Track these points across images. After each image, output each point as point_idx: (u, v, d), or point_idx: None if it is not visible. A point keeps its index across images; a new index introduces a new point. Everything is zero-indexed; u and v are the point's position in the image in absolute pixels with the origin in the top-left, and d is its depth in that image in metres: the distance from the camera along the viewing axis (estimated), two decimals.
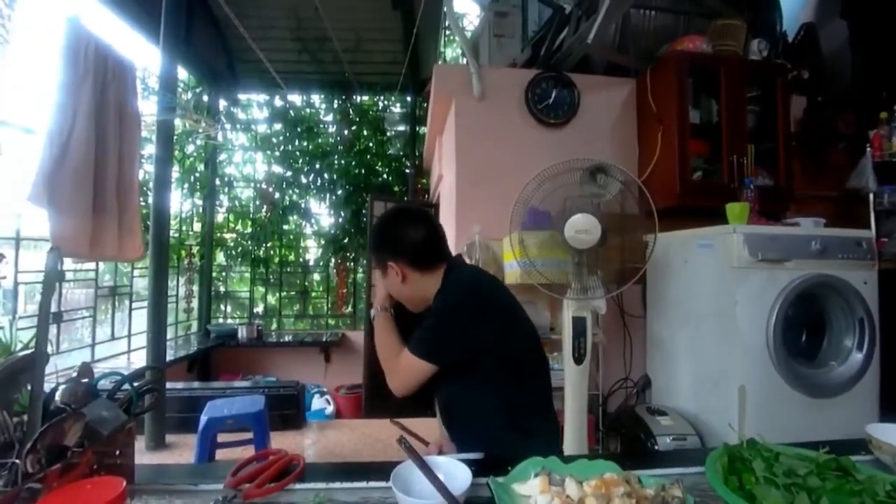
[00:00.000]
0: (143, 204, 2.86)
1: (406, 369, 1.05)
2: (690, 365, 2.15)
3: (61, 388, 0.67)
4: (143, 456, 2.26)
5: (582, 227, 1.62)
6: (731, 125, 2.44)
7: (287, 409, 2.73)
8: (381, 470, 0.78)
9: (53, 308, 2.47)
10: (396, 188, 5.12)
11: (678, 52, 2.46)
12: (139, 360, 3.34)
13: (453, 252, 2.57)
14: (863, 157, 2.65)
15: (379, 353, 1.14)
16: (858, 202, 2.68)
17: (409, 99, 5.16)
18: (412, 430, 1.06)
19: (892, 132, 2.54)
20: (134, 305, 3.42)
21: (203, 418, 1.82)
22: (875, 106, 2.65)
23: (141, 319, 3.41)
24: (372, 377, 3.95)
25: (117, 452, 0.70)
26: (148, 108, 2.72)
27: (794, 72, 2.80)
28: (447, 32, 4.69)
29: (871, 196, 2.60)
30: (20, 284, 2.48)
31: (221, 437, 2.18)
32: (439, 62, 4.73)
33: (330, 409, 3.96)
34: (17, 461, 0.55)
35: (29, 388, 0.64)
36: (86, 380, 0.69)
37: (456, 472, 0.72)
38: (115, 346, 3.33)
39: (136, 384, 0.72)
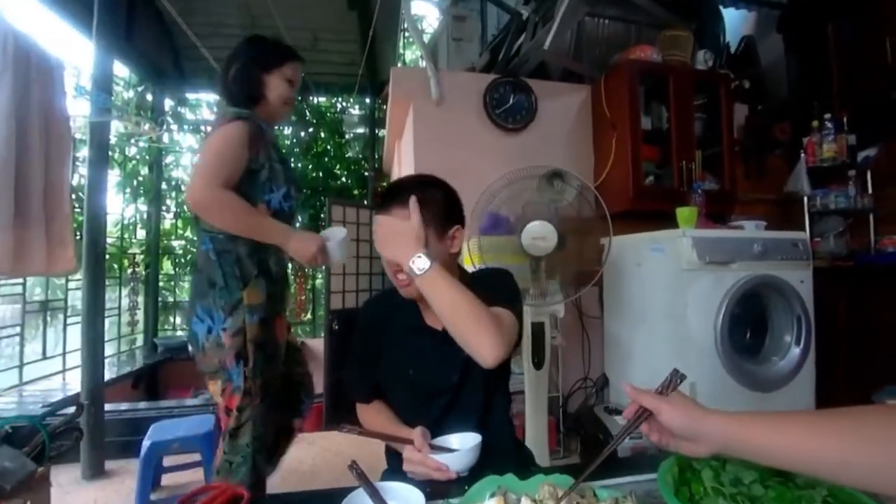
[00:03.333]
0: (77, 211, 2.64)
1: (512, 325, 0.89)
2: (645, 363, 2.22)
3: None
4: (80, 488, 2.08)
5: (539, 234, 1.63)
6: (680, 131, 2.54)
7: None
8: (330, 498, 0.74)
9: None
10: (356, 191, 5.03)
11: (630, 61, 2.54)
12: (75, 379, 3.09)
13: None
14: (798, 163, 2.82)
15: (468, 310, 0.81)
16: (795, 204, 2.87)
17: (367, 101, 5.08)
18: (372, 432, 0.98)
19: (823, 139, 2.73)
20: (70, 320, 3.16)
21: (146, 443, 1.69)
22: (808, 114, 2.83)
23: (77, 336, 3.16)
24: (333, 386, 3.84)
25: (27, 502, 0.62)
26: (81, 109, 2.53)
27: (736, 81, 2.96)
28: (406, 34, 4.65)
29: (806, 199, 2.78)
30: None
31: (168, 461, 2.05)
32: (398, 64, 4.69)
33: None
34: None
35: None
36: None
37: (409, 496, 0.69)
38: (48, 366, 3.07)
39: (48, 425, 0.64)
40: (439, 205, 0.93)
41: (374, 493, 0.68)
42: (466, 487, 0.73)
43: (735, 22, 3.47)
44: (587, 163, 2.76)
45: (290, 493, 0.85)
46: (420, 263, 0.81)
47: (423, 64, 3.21)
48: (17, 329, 2.74)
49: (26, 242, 1.71)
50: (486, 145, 2.62)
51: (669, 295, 2.01)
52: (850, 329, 2.44)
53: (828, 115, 2.72)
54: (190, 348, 1.32)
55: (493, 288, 0.95)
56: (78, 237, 2.25)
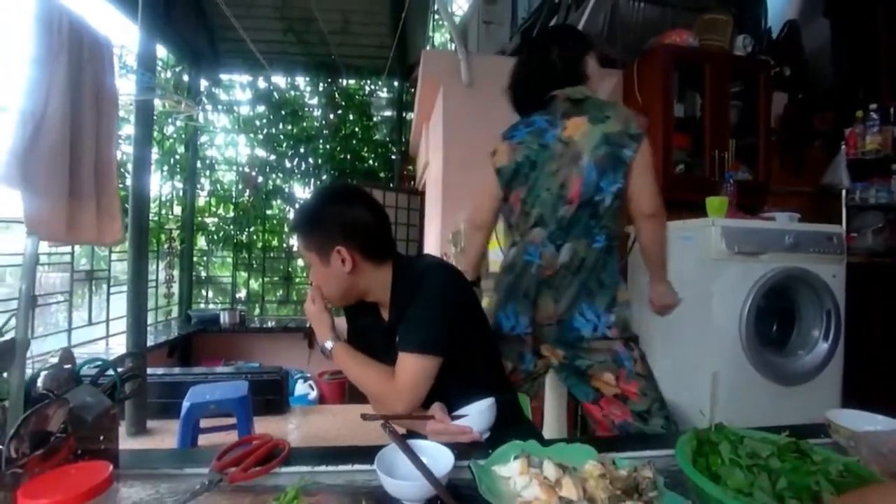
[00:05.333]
0: (121, 186, 2.79)
1: (415, 377, 0.93)
2: (668, 353, 2.22)
3: (43, 374, 0.66)
4: (125, 442, 2.24)
5: None
6: (714, 119, 2.48)
7: (270, 394, 2.73)
8: (366, 454, 0.80)
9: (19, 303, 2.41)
10: (382, 174, 5.09)
11: (665, 46, 2.48)
12: (118, 345, 3.29)
13: (439, 240, 2.59)
14: (838, 155, 2.72)
15: (364, 385, 1.00)
16: (832, 198, 2.77)
17: (396, 84, 5.10)
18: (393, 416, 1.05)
19: (867, 131, 2.62)
20: (112, 290, 3.35)
21: (186, 404, 1.81)
22: (852, 104, 2.72)
23: (119, 304, 3.35)
24: None
25: (101, 438, 0.70)
26: (125, 88, 2.64)
27: (776, 68, 2.86)
28: (436, 17, 4.63)
29: (844, 192, 2.68)
30: None
31: (204, 423, 2.18)
32: (427, 47, 4.67)
33: (313, 394, 3.98)
34: (0, 447, 0.55)
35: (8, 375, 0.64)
36: (68, 366, 0.69)
37: (439, 455, 0.74)
38: (93, 332, 3.27)
39: (119, 370, 0.72)
40: (313, 241, 0.99)
41: (407, 448, 0.73)
42: (490, 451, 0.78)
43: (778, 5, 3.32)
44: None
45: (328, 447, 0.91)
46: (327, 346, 1.02)
47: (452, 47, 3.21)
48: (66, 296, 2.92)
49: (79, 213, 1.82)
50: None
51: (695, 285, 2.00)
52: (884, 327, 2.37)
53: (874, 106, 2.61)
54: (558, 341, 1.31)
55: (409, 320, 0.96)
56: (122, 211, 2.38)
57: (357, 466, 0.79)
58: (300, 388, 3.96)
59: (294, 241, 5.00)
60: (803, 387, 1.96)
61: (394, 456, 0.73)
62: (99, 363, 0.71)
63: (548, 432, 1.78)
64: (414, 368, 0.94)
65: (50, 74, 1.83)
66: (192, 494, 0.70)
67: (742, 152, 2.62)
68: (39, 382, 0.65)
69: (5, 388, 0.65)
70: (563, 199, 1.27)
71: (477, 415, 0.92)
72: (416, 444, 0.76)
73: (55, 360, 0.71)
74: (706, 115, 2.50)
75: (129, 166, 2.73)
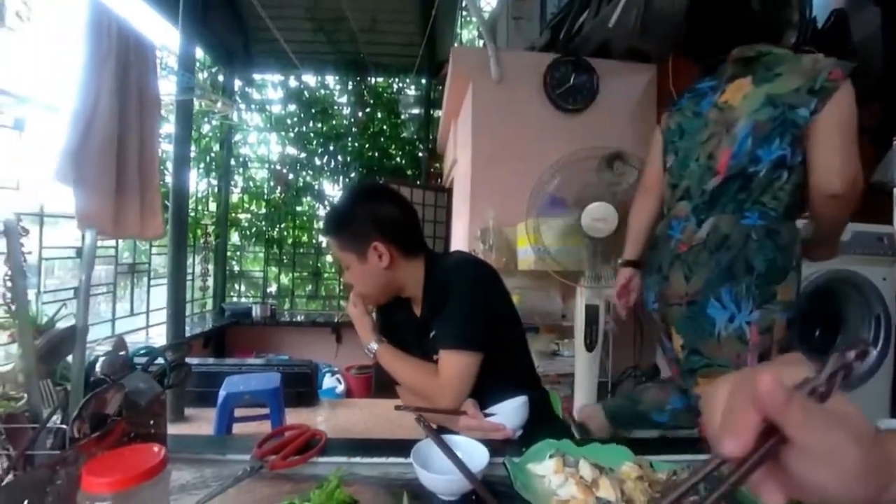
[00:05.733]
0: (161, 184, 2.91)
1: (458, 374, 0.94)
2: None
3: (100, 359, 0.70)
4: None
5: (600, 216, 1.62)
6: None
7: (301, 386, 2.80)
8: (400, 447, 0.81)
9: (77, 284, 2.55)
10: (409, 172, 5.12)
11: None
12: (157, 335, 3.43)
13: (467, 237, 2.59)
14: (889, 151, 2.58)
15: (410, 384, 1.03)
16: (882, 196, 2.62)
17: (423, 81, 5.11)
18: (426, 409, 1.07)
19: None
20: (152, 283, 3.50)
21: (222, 393, 1.88)
22: None
23: (158, 296, 3.50)
24: None
25: (151, 422, 0.73)
26: (165, 88, 2.76)
27: None
28: (464, 14, 4.62)
29: None
30: (43, 260, 2.55)
31: (238, 412, 2.26)
32: (455, 44, 4.67)
33: (341, 388, 4.05)
34: (65, 426, 0.59)
35: (70, 359, 0.68)
36: (122, 353, 0.72)
37: (473, 450, 0.75)
38: (134, 322, 3.42)
39: (168, 359, 0.75)
40: (348, 238, 1.00)
41: (442, 443, 0.74)
42: (524, 449, 0.78)
43: None
44: (649, 146, 2.66)
45: (364, 439, 0.93)
46: (371, 348, 1.05)
47: (480, 44, 3.19)
48: (110, 287, 3.07)
49: (124, 208, 1.92)
50: (544, 126, 2.59)
51: None
52: None
53: None
54: (679, 330, 1.19)
55: (446, 317, 0.97)
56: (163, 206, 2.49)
57: (392, 459, 0.80)
58: (328, 381, 4.04)
59: (324, 240, 5.10)
60: (850, 395, 1.86)
61: (429, 450, 0.74)
62: (149, 351, 0.75)
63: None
64: (457, 365, 0.95)
65: (99, 76, 1.93)
66: (236, 480, 0.72)
67: None
68: (97, 367, 0.69)
69: (62, 373, 0.69)
70: (710, 170, 1.14)
71: (510, 412, 0.92)
72: (451, 439, 0.77)
73: (103, 347, 0.75)
74: None
75: (169, 165, 2.85)
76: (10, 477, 0.55)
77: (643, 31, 2.80)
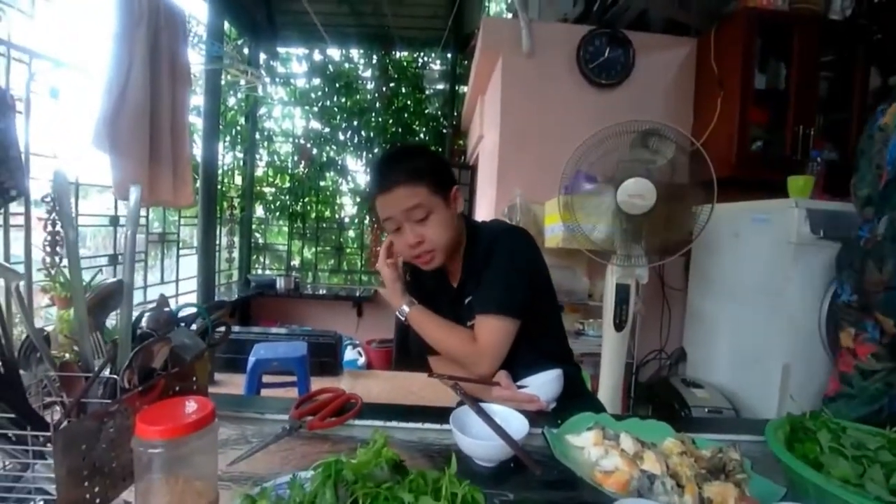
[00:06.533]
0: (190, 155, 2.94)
1: (497, 339, 0.94)
2: (731, 340, 2.11)
3: (146, 315, 0.71)
4: None
5: (636, 192, 1.57)
6: (800, 92, 2.26)
7: (325, 356, 2.85)
8: (436, 413, 0.82)
9: (111, 251, 2.62)
10: (433, 148, 5.06)
11: (748, 9, 2.26)
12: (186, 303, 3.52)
13: (493, 214, 2.55)
14: None
15: (445, 347, 1.00)
16: None
17: (449, 56, 5.00)
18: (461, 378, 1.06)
19: None
20: (180, 253, 3.58)
21: (251, 359, 1.93)
22: None
23: (186, 266, 3.58)
24: (402, 332, 4.06)
25: (194, 378, 0.75)
26: (194, 59, 2.75)
27: (878, 35, 2.54)
28: None
29: None
30: (78, 227, 2.62)
31: (265, 379, 2.32)
32: (484, 16, 4.53)
33: (362, 360, 4.13)
34: (116, 377, 0.60)
35: (117, 313, 0.69)
36: (166, 309, 0.73)
37: (511, 419, 0.74)
38: (165, 290, 3.52)
39: (211, 317, 0.76)
40: (439, 181, 0.96)
41: (480, 410, 0.73)
42: (560, 422, 0.77)
43: None
44: (685, 124, 2.55)
45: (400, 405, 0.94)
46: (404, 310, 1.02)
47: (509, 16, 3.07)
48: (142, 256, 3.15)
49: (158, 177, 1.95)
50: (576, 101, 2.51)
51: (770, 269, 1.87)
52: None
53: None
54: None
55: (486, 282, 0.97)
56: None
57: (428, 425, 0.80)
58: (349, 354, 4.12)
59: (348, 215, 5.11)
60: None
61: (466, 417, 0.74)
62: (192, 308, 0.76)
63: None
64: (496, 331, 0.95)
65: (131, 44, 1.93)
66: (276, 437, 0.74)
67: (830, 129, 2.38)
68: (143, 322, 0.70)
69: (110, 328, 0.71)
70: (878, 178, 1.38)
71: (543, 384, 0.91)
72: (489, 407, 0.76)
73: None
74: (791, 88, 2.28)
75: (197, 137, 2.86)
76: (65, 423, 0.56)
77: (683, 1, 2.66)
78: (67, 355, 0.67)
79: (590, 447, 0.69)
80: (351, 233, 5.18)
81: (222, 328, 0.82)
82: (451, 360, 1.00)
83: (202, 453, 0.56)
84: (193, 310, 0.78)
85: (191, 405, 0.57)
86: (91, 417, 0.56)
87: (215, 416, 0.57)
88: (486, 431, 0.69)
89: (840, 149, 2.37)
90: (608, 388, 1.81)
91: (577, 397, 1.01)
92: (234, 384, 2.41)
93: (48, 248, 1.74)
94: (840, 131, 2.37)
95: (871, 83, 2.43)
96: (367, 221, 5.03)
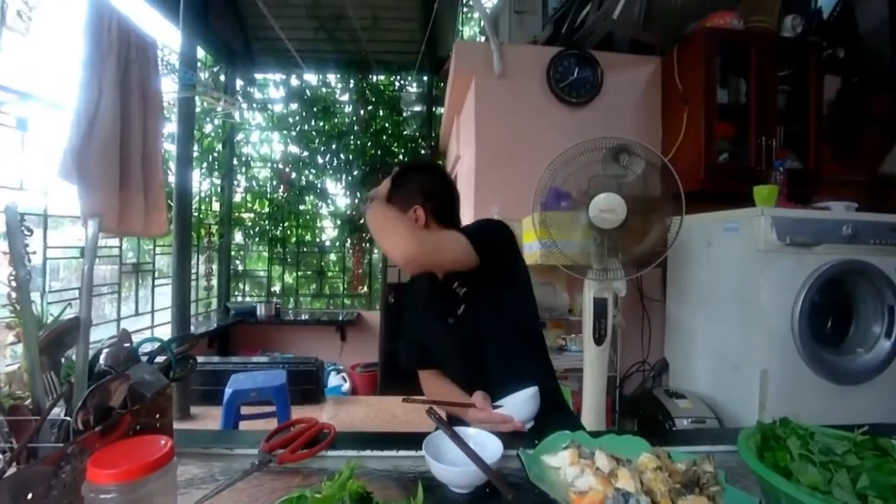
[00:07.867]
0: (164, 182, 2.90)
1: (451, 241, 0.97)
2: (710, 349, 2.13)
3: (105, 351, 0.69)
4: None
5: (607, 207, 1.60)
6: (760, 105, 2.36)
7: (307, 384, 2.79)
8: (410, 440, 0.80)
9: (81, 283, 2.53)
10: None
11: (707, 29, 2.37)
12: (162, 335, 3.42)
13: None
14: None
15: (385, 223, 0.98)
16: (891, 187, 2.59)
17: (425, 79, 5.09)
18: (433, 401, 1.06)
19: None
20: (156, 283, 3.49)
21: (228, 390, 1.87)
22: None
23: (162, 297, 3.49)
24: (387, 355, 4.01)
25: (157, 415, 0.72)
26: (167, 87, 2.74)
27: (828, 50, 2.69)
28: (465, 10, 4.59)
29: None
30: (47, 260, 2.54)
31: (244, 410, 2.25)
32: (457, 40, 4.64)
33: (346, 386, 4.04)
34: (69, 418, 0.57)
35: (74, 351, 0.66)
36: (127, 344, 0.71)
37: (486, 442, 0.73)
38: (139, 322, 3.42)
39: (174, 351, 0.73)
40: (404, 192, 1.11)
41: (454, 434, 0.72)
42: (536, 442, 0.76)
43: None
44: (654, 139, 2.64)
45: (373, 432, 0.92)
46: (369, 202, 1.07)
47: (481, 39, 3.16)
48: (115, 287, 3.07)
49: (128, 205, 1.91)
50: (548, 120, 2.57)
51: (742, 277, 1.91)
52: None
53: None
54: None
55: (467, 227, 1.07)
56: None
57: (402, 452, 0.79)
58: (333, 379, 4.03)
59: (327, 239, 5.09)
60: (862, 386, 1.84)
61: (441, 442, 0.73)
62: (155, 343, 0.73)
63: (586, 423, 1.74)
64: (448, 233, 1.00)
65: (101, 73, 1.92)
66: (244, 473, 0.71)
67: (790, 140, 2.48)
68: (101, 359, 0.68)
69: (69, 365, 0.68)
70: None
71: (520, 404, 0.90)
72: (463, 431, 0.75)
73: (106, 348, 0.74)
74: (752, 102, 2.37)
75: (172, 165, 2.83)
76: (12, 469, 0.53)
77: (647, 23, 2.77)
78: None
79: (565, 467, 0.68)
80: (332, 256, 5.14)
81: (188, 361, 0.79)
82: (378, 242, 1.00)
83: (160, 495, 0.53)
84: (157, 344, 0.75)
85: (148, 444, 0.55)
86: (41, 462, 0.53)
87: (174, 455, 0.55)
88: (461, 457, 0.67)
89: (801, 158, 2.47)
90: (592, 402, 1.80)
91: (555, 413, 1.00)
92: (211, 417, 2.33)
93: (13, 284, 1.67)
94: (800, 141, 2.47)
95: (825, 94, 2.56)
96: (348, 244, 5.01)
